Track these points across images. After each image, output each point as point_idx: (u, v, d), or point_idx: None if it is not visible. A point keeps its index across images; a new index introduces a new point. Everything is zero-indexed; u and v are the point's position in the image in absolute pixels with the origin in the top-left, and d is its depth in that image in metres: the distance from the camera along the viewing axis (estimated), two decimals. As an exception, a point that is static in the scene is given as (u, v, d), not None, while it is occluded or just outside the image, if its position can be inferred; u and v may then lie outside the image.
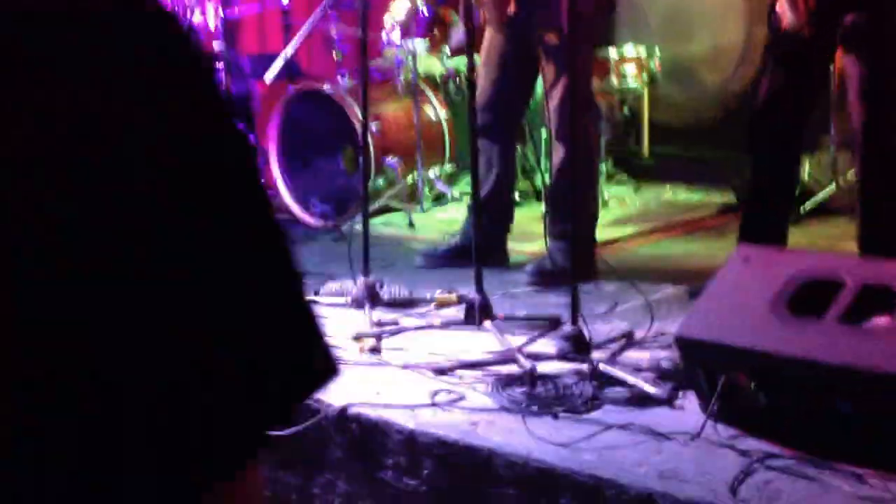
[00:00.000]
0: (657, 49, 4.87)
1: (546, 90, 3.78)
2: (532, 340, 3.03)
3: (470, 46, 3.37)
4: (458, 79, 4.82)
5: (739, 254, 2.71)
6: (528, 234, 4.23)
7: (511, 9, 3.62)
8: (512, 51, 3.81)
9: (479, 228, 3.74)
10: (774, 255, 2.82)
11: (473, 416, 2.55)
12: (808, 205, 4.38)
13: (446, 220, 4.70)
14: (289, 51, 3.43)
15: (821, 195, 4.45)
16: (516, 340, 3.03)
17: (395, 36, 4.71)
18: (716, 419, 2.38)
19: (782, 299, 2.45)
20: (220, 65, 4.21)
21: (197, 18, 4.60)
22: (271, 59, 4.78)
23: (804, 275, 2.49)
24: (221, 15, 4.12)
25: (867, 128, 3.20)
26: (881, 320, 2.30)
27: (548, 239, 3.80)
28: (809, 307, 2.40)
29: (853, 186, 3.56)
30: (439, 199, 4.90)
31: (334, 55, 4.86)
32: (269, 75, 3.46)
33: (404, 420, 2.55)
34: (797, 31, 3.10)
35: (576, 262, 3.32)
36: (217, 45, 4.44)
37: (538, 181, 4.75)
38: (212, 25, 4.54)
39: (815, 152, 4.54)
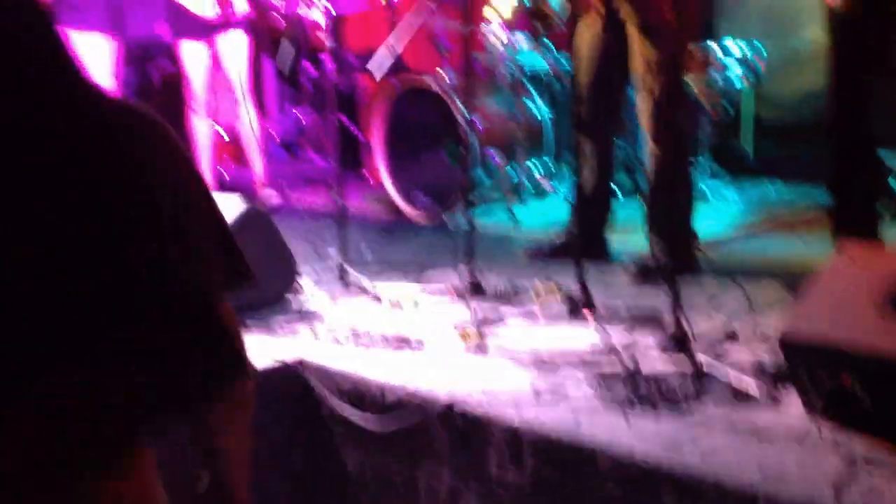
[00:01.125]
0: (761, 47, 4.81)
1: (639, 82, 3.77)
2: (633, 338, 3.07)
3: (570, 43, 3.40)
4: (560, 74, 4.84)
5: (842, 251, 2.69)
6: (629, 227, 4.25)
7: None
8: (606, 41, 3.82)
9: (581, 222, 3.80)
10: (877, 254, 2.80)
11: (576, 413, 2.60)
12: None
13: (547, 213, 4.75)
14: (396, 46, 3.50)
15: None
16: (618, 335, 3.07)
17: (498, 30, 4.75)
18: (820, 420, 2.39)
19: (887, 298, 2.44)
20: (328, 59, 4.31)
21: (304, 12, 4.74)
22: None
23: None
24: (329, 10, 4.20)
25: None
26: None
27: (647, 234, 3.83)
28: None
29: None
30: (540, 192, 4.94)
31: (438, 50, 4.93)
32: (376, 70, 3.53)
33: (508, 415, 2.62)
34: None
35: (675, 256, 3.34)
36: (325, 40, 4.54)
37: (639, 174, 4.75)
38: (320, 21, 4.66)
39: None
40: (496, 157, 4.76)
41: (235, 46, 4.80)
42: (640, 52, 3.71)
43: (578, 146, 3.66)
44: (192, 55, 4.78)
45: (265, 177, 5.23)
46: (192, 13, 4.64)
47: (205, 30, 4.71)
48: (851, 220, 3.39)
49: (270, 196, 5.20)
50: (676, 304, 2.96)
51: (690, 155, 3.96)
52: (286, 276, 3.62)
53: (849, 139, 3.35)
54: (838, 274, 2.61)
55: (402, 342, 3.16)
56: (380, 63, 3.52)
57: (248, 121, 4.87)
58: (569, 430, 2.51)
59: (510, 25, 4.79)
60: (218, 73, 4.88)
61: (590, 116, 3.81)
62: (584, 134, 3.80)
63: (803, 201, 4.83)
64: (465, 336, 3.16)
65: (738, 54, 4.75)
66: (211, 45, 4.79)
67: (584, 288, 3.29)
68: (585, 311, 3.26)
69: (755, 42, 4.78)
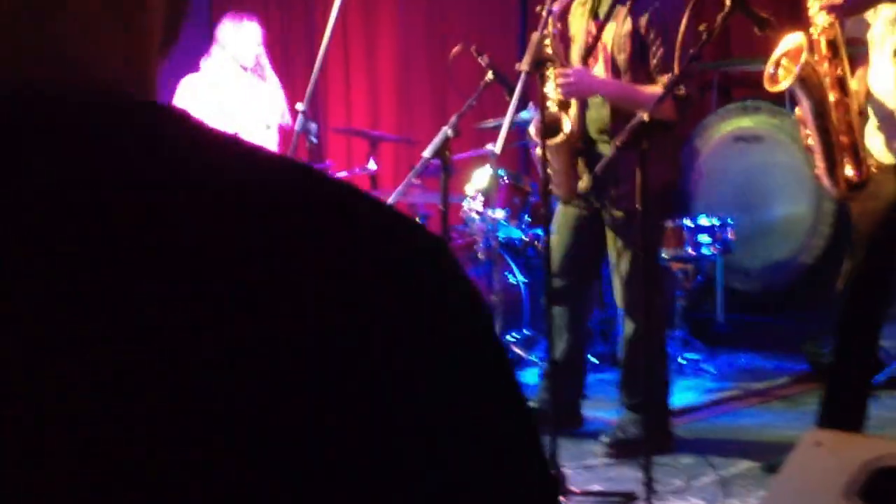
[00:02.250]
0: (730, 219, 4.95)
1: (613, 263, 3.85)
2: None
3: (545, 216, 3.46)
4: (536, 244, 4.92)
5: (811, 439, 2.70)
6: (604, 399, 4.24)
7: (583, 185, 3.70)
8: (583, 220, 3.90)
9: (554, 395, 3.79)
10: (847, 441, 2.80)
11: None
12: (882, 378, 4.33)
13: (523, 384, 4.75)
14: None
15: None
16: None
17: (477, 204, 4.85)
18: None
19: (855, 488, 2.43)
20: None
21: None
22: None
23: (878, 462, 2.47)
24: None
25: None
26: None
27: (622, 409, 3.83)
28: (884, 497, 2.38)
29: None
30: (517, 363, 4.95)
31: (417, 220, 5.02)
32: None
33: None
34: (842, 201, 3.15)
35: (650, 434, 3.33)
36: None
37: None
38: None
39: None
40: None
41: None
42: (611, 233, 3.79)
43: (552, 318, 3.70)
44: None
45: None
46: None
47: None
48: (839, 404, 3.38)
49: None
50: (649, 487, 2.94)
51: (663, 330, 3.98)
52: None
53: (854, 331, 3.37)
54: (807, 461, 2.60)
55: None
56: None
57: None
58: None
59: (490, 201, 4.88)
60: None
61: (564, 288, 3.87)
62: (559, 305, 3.87)
63: (778, 372, 4.86)
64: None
65: (709, 229, 4.88)
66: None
67: (557, 468, 3.26)
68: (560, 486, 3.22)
69: (727, 218, 4.91)
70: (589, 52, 3.71)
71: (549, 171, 3.47)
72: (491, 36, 6.78)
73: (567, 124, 3.72)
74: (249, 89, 5.20)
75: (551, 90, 3.68)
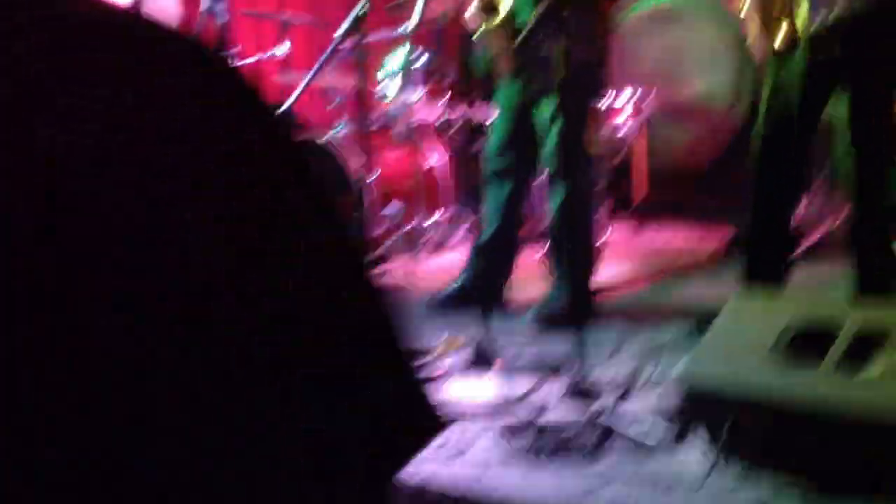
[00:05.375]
0: (650, 94, 4.93)
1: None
2: (536, 388, 3.05)
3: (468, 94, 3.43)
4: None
5: (736, 299, 2.74)
6: (533, 276, 4.25)
7: (506, 66, 3.69)
8: (523, 99, 3.84)
9: (482, 268, 3.79)
10: (770, 301, 2.84)
11: (478, 468, 2.55)
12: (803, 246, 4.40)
13: (447, 266, 4.72)
14: (287, 104, 3.49)
15: (815, 235, 4.48)
16: (521, 388, 3.04)
17: (392, 87, 4.75)
18: (721, 466, 2.39)
19: (780, 346, 2.47)
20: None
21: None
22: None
23: (800, 321, 2.51)
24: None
25: (858, 164, 3.21)
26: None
27: (549, 281, 3.84)
28: (807, 352, 2.42)
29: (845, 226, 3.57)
30: (440, 245, 4.92)
31: (333, 105, 4.91)
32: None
33: (407, 473, 2.55)
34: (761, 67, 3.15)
35: (577, 304, 3.34)
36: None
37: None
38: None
39: (810, 191, 4.58)
40: (394, 210, 4.73)
41: None
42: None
43: (488, 196, 3.69)
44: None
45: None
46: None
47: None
48: (760, 262, 3.43)
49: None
50: (579, 353, 2.96)
51: (590, 202, 3.95)
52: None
53: (772, 172, 3.38)
54: (733, 321, 2.64)
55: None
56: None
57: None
58: (469, 486, 2.46)
59: (407, 80, 4.78)
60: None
61: (503, 166, 3.86)
62: (496, 183, 3.86)
63: (704, 244, 4.92)
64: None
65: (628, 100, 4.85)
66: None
67: (487, 339, 3.27)
68: (488, 364, 3.23)
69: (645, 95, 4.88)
70: None
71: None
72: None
73: (505, 3, 3.67)
74: None
75: None
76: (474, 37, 3.86)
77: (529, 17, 3.59)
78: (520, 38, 3.32)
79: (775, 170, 3.35)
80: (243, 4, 6.90)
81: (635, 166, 5.07)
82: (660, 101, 5.00)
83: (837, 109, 3.22)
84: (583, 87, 3.67)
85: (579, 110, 3.76)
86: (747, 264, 3.46)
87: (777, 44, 3.16)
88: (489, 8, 3.68)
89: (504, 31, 3.72)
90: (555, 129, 3.70)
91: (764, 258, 3.45)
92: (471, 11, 3.76)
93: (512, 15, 3.70)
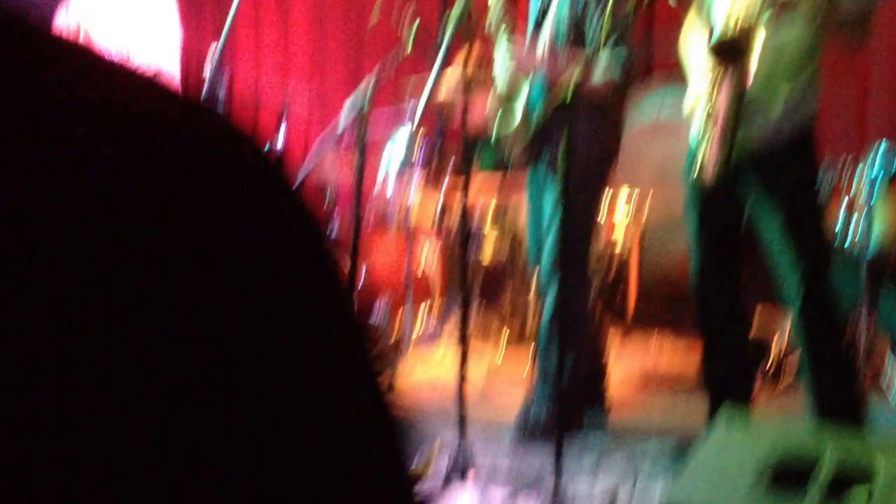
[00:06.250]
0: (648, 198, 4.93)
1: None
2: (515, 499, 3.01)
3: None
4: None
5: (718, 425, 2.73)
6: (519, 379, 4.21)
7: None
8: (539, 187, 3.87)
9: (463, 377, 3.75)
10: (752, 430, 2.82)
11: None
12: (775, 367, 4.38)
13: (434, 360, 4.69)
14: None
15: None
16: (499, 499, 3.01)
17: (392, 171, 4.75)
18: None
19: (762, 477, 2.46)
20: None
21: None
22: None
23: (781, 451, 2.50)
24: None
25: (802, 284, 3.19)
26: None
27: (533, 387, 3.79)
28: (789, 484, 2.42)
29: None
30: (430, 338, 4.89)
31: (328, 195, 4.91)
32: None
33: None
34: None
35: (562, 412, 3.30)
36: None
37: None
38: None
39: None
40: (382, 306, 4.69)
41: None
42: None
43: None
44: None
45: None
46: None
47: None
48: (725, 390, 3.39)
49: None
50: (557, 467, 2.92)
51: (584, 306, 3.91)
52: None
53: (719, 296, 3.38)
54: (718, 443, 2.63)
55: None
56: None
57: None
58: None
59: (405, 178, 4.79)
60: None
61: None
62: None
63: (691, 356, 4.88)
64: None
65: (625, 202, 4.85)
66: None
67: (465, 448, 3.22)
68: (466, 474, 3.18)
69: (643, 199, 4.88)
70: (538, 26, 3.74)
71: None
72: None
73: (522, 97, 3.71)
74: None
75: (502, 63, 3.69)
76: (493, 128, 3.86)
77: (542, 111, 3.64)
78: (531, 132, 3.37)
79: (715, 293, 3.35)
80: (246, 83, 6.99)
81: (628, 278, 5.05)
82: (656, 211, 5.00)
83: (771, 230, 3.22)
84: (588, 184, 3.68)
85: (582, 206, 3.75)
86: (711, 387, 3.42)
87: (711, 169, 3.15)
88: (506, 100, 3.71)
89: (520, 125, 3.74)
90: (555, 223, 3.68)
91: (725, 380, 3.40)
92: (488, 103, 3.78)
93: (528, 108, 3.72)
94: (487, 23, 3.70)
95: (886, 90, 5.17)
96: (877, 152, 4.24)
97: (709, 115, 3.11)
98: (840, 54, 4.86)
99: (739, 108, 3.06)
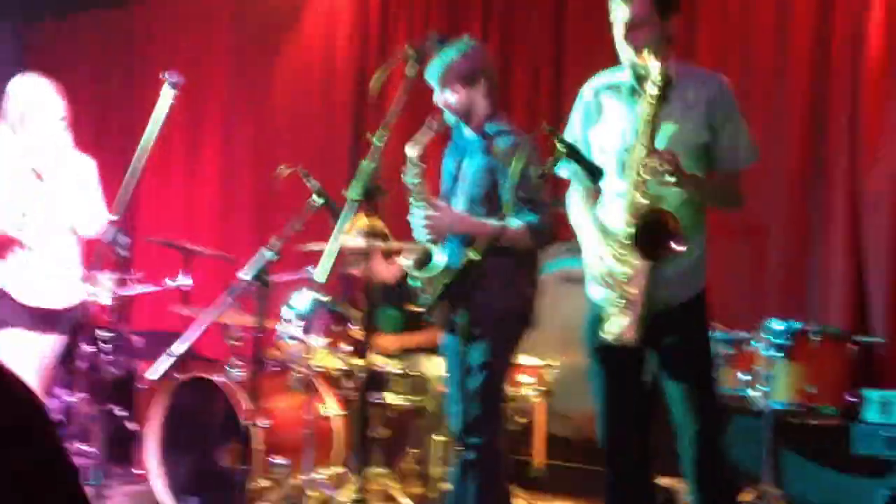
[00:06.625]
0: (553, 361, 4.89)
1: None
2: None
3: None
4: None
5: None
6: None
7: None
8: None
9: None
10: None
11: None
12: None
13: None
14: (179, 350, 3.32)
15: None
16: None
17: (294, 329, 4.62)
18: None
19: None
20: (107, 344, 4.07)
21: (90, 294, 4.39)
22: (166, 336, 4.63)
23: None
24: (114, 292, 4.04)
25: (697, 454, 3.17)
26: None
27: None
28: None
29: None
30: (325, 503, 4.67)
31: (229, 343, 4.75)
32: (154, 374, 3.33)
33: None
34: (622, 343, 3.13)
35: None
36: (107, 319, 4.32)
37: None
38: (105, 301, 4.38)
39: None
40: (280, 463, 4.48)
41: None
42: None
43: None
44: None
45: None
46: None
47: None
48: None
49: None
50: None
51: (503, 464, 3.78)
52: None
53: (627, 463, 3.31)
54: None
55: None
56: (157, 369, 3.33)
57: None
58: None
59: (309, 326, 4.66)
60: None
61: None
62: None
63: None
64: None
65: (531, 364, 4.80)
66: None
67: None
68: None
69: (549, 361, 4.85)
70: (450, 191, 3.78)
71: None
72: (318, 157, 6.66)
73: (441, 259, 3.65)
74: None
75: (417, 225, 3.67)
76: (409, 283, 3.79)
77: (458, 266, 3.58)
78: (441, 290, 3.31)
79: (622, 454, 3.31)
80: (150, 230, 6.87)
81: (535, 432, 4.95)
82: (563, 366, 4.95)
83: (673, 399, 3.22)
84: (503, 339, 3.64)
85: (499, 361, 3.68)
86: None
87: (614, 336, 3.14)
88: (424, 260, 3.65)
89: (433, 281, 3.67)
90: (479, 380, 3.59)
91: None
92: (403, 261, 3.71)
93: (445, 267, 3.65)
94: (405, 180, 3.67)
95: (782, 266, 5.35)
96: (773, 324, 4.37)
97: (616, 282, 3.09)
98: (737, 231, 5.07)
99: (650, 278, 3.06)
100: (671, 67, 3.07)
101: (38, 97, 4.25)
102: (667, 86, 3.02)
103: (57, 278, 4.24)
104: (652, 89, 3.02)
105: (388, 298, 5.03)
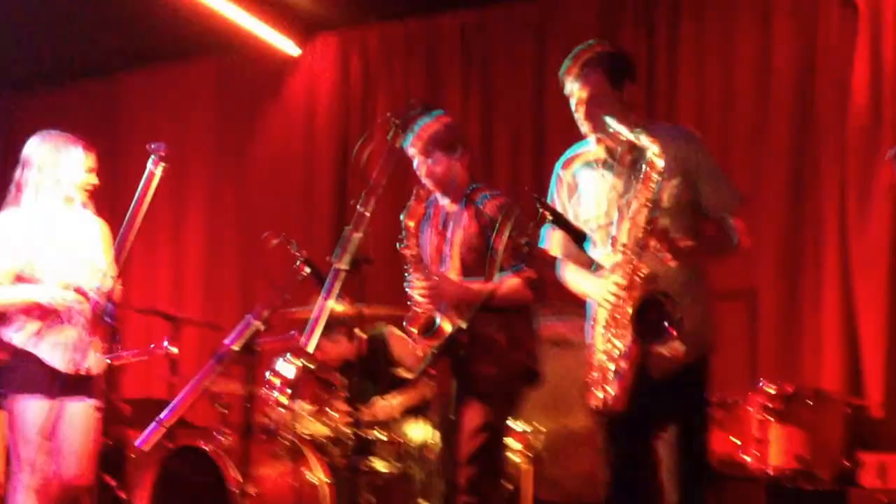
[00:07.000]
0: (540, 426, 4.91)
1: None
2: None
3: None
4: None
5: None
6: None
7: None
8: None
9: None
10: None
11: None
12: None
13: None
14: (169, 419, 3.36)
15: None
16: None
17: (281, 395, 4.65)
18: None
19: None
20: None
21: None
22: (154, 404, 4.65)
23: None
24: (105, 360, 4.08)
25: None
26: None
27: None
28: None
29: None
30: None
31: (217, 409, 4.78)
32: (145, 444, 3.36)
33: None
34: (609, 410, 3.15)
35: None
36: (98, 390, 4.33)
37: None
38: (95, 370, 4.38)
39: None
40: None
41: None
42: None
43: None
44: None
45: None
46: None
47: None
48: None
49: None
50: None
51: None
52: None
53: None
54: None
55: None
56: (147, 439, 3.36)
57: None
58: None
59: (296, 393, 4.70)
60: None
61: None
62: None
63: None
64: None
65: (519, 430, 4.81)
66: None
67: None
68: None
69: (537, 426, 4.86)
70: (442, 260, 3.82)
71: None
72: (301, 225, 6.72)
73: (446, 324, 3.65)
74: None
75: (415, 293, 3.69)
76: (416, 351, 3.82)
77: (448, 340, 3.63)
78: (432, 355, 3.37)
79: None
80: (138, 300, 6.90)
81: (522, 500, 4.96)
82: (550, 431, 4.97)
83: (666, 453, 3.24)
84: (499, 403, 3.68)
85: (496, 425, 3.71)
86: None
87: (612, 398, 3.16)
88: (428, 327, 3.67)
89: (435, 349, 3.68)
90: (478, 441, 3.62)
91: None
92: (411, 330, 3.74)
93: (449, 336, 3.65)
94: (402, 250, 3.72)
95: (773, 332, 5.35)
96: (765, 387, 4.36)
97: (613, 351, 3.12)
98: (728, 293, 5.09)
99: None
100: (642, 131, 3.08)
101: (57, 156, 4.18)
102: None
103: (91, 344, 4.11)
104: (654, 166, 3.04)
105: (354, 374, 5.01)
